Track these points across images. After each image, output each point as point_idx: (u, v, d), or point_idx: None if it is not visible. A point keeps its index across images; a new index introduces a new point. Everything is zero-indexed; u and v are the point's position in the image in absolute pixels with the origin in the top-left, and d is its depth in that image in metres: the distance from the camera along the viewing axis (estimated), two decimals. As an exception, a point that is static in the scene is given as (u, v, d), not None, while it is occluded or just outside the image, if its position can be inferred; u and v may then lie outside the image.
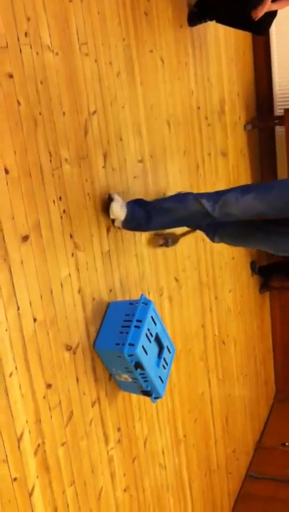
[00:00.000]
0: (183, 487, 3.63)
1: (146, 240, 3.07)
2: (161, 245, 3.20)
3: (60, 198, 2.30)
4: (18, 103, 2.04)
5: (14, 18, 2.04)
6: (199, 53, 3.92)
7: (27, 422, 2.06)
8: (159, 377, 2.63)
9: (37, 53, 2.15)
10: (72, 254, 2.38)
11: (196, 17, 3.76)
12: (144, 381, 2.56)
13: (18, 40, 2.05)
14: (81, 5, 2.47)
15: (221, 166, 4.37)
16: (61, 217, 2.31)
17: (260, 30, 3.74)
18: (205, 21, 3.82)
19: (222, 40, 4.38)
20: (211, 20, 3.84)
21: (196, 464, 3.85)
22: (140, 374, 2.52)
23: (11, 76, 2.00)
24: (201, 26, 3.87)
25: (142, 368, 2.48)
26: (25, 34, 2.10)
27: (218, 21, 3.88)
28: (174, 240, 3.31)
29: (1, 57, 1.96)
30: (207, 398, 4.16)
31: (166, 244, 3.21)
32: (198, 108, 3.90)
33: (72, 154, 2.38)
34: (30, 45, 2.12)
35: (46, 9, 2.23)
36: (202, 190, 3.92)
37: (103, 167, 2.63)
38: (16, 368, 2.00)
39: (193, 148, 3.82)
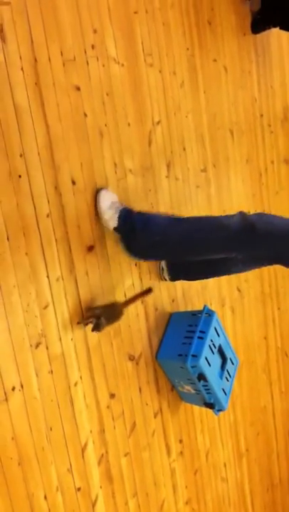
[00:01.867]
0: (244, 501, 3.55)
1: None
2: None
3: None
4: (85, 115, 2.07)
5: (81, 30, 2.07)
6: (262, 61, 3.86)
7: (91, 431, 2.07)
8: (222, 389, 2.59)
9: (103, 65, 2.18)
10: (136, 264, 2.38)
11: (259, 24, 3.71)
12: (207, 393, 2.53)
13: (85, 52, 2.08)
14: (146, 16, 2.48)
15: (284, 174, 4.28)
16: (125, 227, 2.31)
17: None
18: (269, 28, 3.77)
19: (285, 47, 4.30)
20: (274, 27, 3.78)
21: (258, 479, 3.76)
22: (203, 386, 2.48)
23: (78, 88, 2.03)
24: (264, 33, 3.82)
25: (205, 380, 2.44)
26: (92, 47, 2.12)
27: (281, 28, 3.81)
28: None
29: (69, 70, 1.99)
30: (269, 411, 4.06)
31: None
32: (261, 116, 3.84)
33: (137, 165, 2.39)
34: (97, 57, 2.14)
35: (112, 21, 2.25)
36: (265, 199, 3.86)
37: (166, 177, 2.63)
38: (81, 378, 2.01)
39: (256, 156, 3.76)
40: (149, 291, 2.20)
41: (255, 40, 3.77)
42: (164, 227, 2.05)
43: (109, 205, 2.09)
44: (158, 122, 2.55)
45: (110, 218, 2.08)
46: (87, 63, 2.09)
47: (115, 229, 2.10)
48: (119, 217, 2.08)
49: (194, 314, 2.60)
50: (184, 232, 2.00)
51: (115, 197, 2.16)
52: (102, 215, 2.10)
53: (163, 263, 2.50)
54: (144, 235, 2.05)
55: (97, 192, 2.12)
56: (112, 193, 2.17)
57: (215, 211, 3.15)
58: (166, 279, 2.54)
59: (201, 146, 2.99)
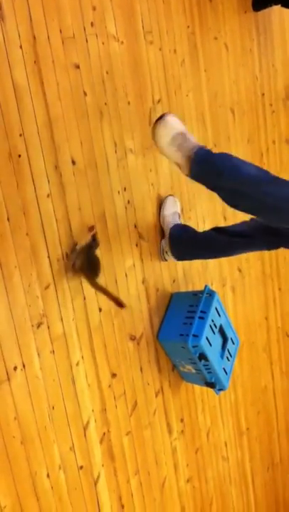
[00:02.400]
0: (245, 480, 3.59)
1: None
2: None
3: (125, 188, 2.30)
4: (85, 94, 2.05)
5: (80, 8, 2.04)
6: (264, 39, 3.81)
7: (93, 411, 2.08)
8: (223, 368, 2.60)
9: (103, 43, 2.15)
10: (137, 245, 2.38)
11: (260, 1, 3.66)
12: (208, 372, 2.54)
13: (85, 30, 2.05)
14: (146, -7, 2.44)
15: (285, 154, 4.25)
16: (126, 207, 2.30)
17: None
18: (270, 6, 3.72)
19: (287, 25, 4.24)
20: (276, 4, 3.73)
21: (258, 457, 3.80)
22: (204, 365, 2.49)
23: (77, 67, 2.01)
24: (265, 11, 3.77)
25: (206, 360, 2.45)
26: (91, 24, 2.09)
27: (283, 5, 3.76)
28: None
29: (68, 48, 1.96)
30: (270, 391, 4.09)
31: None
32: (263, 95, 3.80)
33: (137, 144, 2.37)
34: (96, 34, 2.12)
35: (111, -2, 2.22)
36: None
37: (167, 157, 2.61)
38: (83, 358, 2.02)
39: (257, 136, 3.73)
40: (120, 305, 2.02)
41: (257, 18, 3.71)
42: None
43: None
44: (158, 101, 2.53)
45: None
46: (87, 41, 2.06)
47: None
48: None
49: (195, 294, 2.61)
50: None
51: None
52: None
53: (165, 244, 2.49)
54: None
55: None
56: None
57: (216, 191, 3.14)
58: (166, 260, 2.54)
59: (202, 125, 2.97)
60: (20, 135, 1.74)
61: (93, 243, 2.00)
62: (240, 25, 3.44)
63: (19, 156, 1.74)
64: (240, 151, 3.45)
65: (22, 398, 1.76)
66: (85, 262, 1.95)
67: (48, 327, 1.87)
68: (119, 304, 2.01)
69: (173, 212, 2.54)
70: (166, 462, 2.58)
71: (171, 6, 2.64)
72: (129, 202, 2.32)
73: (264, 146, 3.86)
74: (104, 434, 2.15)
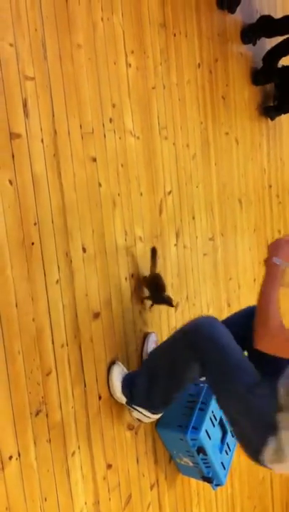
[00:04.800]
0: None
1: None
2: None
3: (132, 275, 2.33)
4: (100, 185, 2.12)
5: (101, 104, 2.15)
6: (273, 133, 3.98)
7: (86, 503, 2.02)
8: (222, 463, 2.54)
9: (120, 138, 2.25)
10: (140, 330, 2.39)
11: (272, 112, 3.85)
12: (206, 467, 2.48)
13: (103, 126, 2.15)
14: (163, 91, 2.58)
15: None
16: (132, 294, 2.33)
17: None
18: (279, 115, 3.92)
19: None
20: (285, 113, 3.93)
21: None
22: (202, 459, 2.44)
23: (94, 160, 2.09)
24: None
25: (205, 453, 2.40)
26: (110, 120, 2.20)
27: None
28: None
29: (87, 143, 2.06)
30: (268, 482, 3.96)
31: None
32: (270, 187, 3.92)
33: (147, 233, 2.43)
34: (114, 130, 2.22)
35: (131, 96, 2.34)
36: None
37: (175, 245, 2.67)
38: (79, 448, 1.99)
39: (264, 225, 3.82)
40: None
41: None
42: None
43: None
44: (169, 192, 2.61)
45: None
46: (105, 136, 2.16)
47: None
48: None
49: (196, 384, 2.58)
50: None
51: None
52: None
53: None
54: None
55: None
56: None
57: (221, 279, 3.18)
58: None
59: (210, 215, 3.05)
60: (35, 224, 1.80)
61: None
62: (250, 121, 3.61)
63: (32, 243, 1.79)
64: (247, 239, 3.52)
65: (15, 488, 1.72)
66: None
67: (47, 415, 1.84)
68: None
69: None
70: None
71: (186, 103, 2.78)
72: (135, 289, 2.35)
73: (270, 234, 3.94)
74: (95, 528, 2.07)
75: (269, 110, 3.82)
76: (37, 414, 1.80)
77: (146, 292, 2.40)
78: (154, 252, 2.36)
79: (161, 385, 2.07)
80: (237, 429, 1.91)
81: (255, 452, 1.81)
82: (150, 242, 2.45)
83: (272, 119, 3.86)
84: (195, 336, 1.91)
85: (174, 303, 2.44)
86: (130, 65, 2.34)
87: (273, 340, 1.65)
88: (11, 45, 1.72)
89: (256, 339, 1.67)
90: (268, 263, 1.77)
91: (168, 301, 2.36)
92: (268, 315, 1.66)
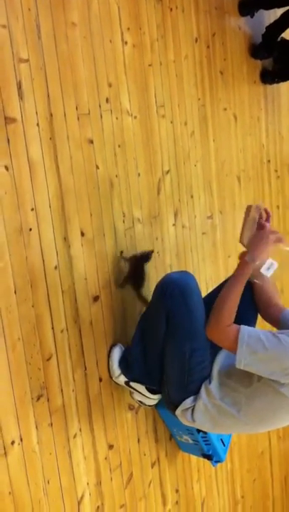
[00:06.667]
0: None
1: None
2: None
3: (131, 258, 2.32)
4: (97, 167, 2.10)
5: (97, 84, 2.11)
6: (272, 107, 3.92)
7: (88, 484, 2.05)
8: (221, 440, 2.57)
9: (116, 118, 2.21)
10: (139, 313, 2.39)
11: (267, 74, 3.78)
12: (206, 444, 2.51)
13: (100, 106, 2.12)
14: (160, 68, 2.53)
15: (289, 219, 4.31)
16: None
17: None
18: (276, 82, 3.85)
19: (295, 93, 4.37)
20: (283, 80, 3.86)
21: (252, 528, 3.71)
22: (202, 437, 2.46)
23: (91, 142, 2.06)
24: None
25: (204, 431, 2.42)
26: (107, 100, 2.16)
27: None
28: None
29: (83, 124, 2.02)
30: (267, 457, 4.02)
31: None
32: (269, 161, 3.88)
33: (145, 214, 2.41)
34: (111, 110, 2.18)
35: (127, 74, 2.30)
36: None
37: (173, 225, 2.65)
38: (80, 430, 2.00)
39: (262, 201, 3.79)
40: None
41: (266, 88, 3.83)
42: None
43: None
44: (167, 171, 2.58)
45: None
46: (101, 117, 2.12)
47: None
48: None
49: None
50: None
51: None
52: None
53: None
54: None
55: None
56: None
57: (220, 257, 3.17)
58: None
59: (209, 194, 3.03)
60: (32, 209, 1.78)
61: (146, 257, 2.30)
62: (249, 95, 3.55)
63: (30, 229, 1.77)
64: (245, 216, 3.50)
65: (18, 473, 1.74)
66: (132, 270, 2.29)
67: (48, 399, 1.85)
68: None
69: None
70: (159, 535, 2.52)
71: (183, 80, 2.73)
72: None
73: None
74: (98, 507, 2.11)
75: (265, 75, 3.75)
76: (38, 399, 1.81)
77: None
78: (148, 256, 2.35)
79: (151, 348, 2.10)
80: (166, 377, 2.06)
81: (171, 403, 2.05)
82: (148, 222, 2.44)
83: (265, 83, 3.78)
84: (167, 287, 1.98)
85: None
86: (126, 43, 2.28)
87: (220, 336, 1.86)
88: (3, 26, 1.67)
89: (207, 328, 1.89)
90: (242, 260, 1.90)
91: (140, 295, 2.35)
92: (222, 312, 1.85)
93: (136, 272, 2.32)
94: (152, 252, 2.35)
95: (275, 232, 1.92)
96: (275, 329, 2.07)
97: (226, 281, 1.99)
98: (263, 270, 1.87)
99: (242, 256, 1.93)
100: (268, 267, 1.87)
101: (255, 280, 1.99)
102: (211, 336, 1.89)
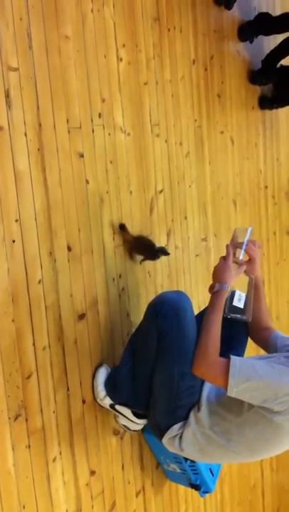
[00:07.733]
0: None
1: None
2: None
3: (120, 275, 2.27)
4: (87, 182, 2.05)
5: (90, 99, 2.08)
6: (270, 133, 3.91)
7: (67, 511, 1.95)
8: (210, 469, 2.47)
9: (109, 134, 2.18)
10: (128, 333, 2.32)
11: (265, 101, 3.78)
12: (194, 473, 2.41)
13: (92, 121, 2.08)
14: (156, 87, 2.51)
15: (285, 245, 4.26)
16: (119, 295, 2.26)
17: None
18: (275, 108, 3.85)
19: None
20: (281, 106, 3.86)
21: None
22: (190, 466, 2.37)
23: (81, 155, 2.02)
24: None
25: (192, 460, 2.33)
26: (99, 115, 2.13)
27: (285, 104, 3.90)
28: None
29: (74, 138, 1.98)
30: (259, 489, 3.90)
31: None
32: (266, 187, 3.85)
33: (136, 232, 2.36)
34: (103, 125, 2.15)
35: (121, 91, 2.27)
36: (265, 269, 3.82)
37: (166, 245, 2.60)
38: (60, 453, 1.91)
39: (259, 226, 3.75)
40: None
41: (264, 114, 3.83)
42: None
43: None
44: (161, 191, 2.54)
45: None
46: (93, 131, 2.09)
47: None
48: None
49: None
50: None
51: None
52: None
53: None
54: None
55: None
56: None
57: (213, 281, 3.11)
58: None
59: (203, 216, 2.98)
60: (16, 220, 1.73)
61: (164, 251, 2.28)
62: (247, 120, 3.54)
63: (13, 241, 1.72)
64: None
65: (-9, 496, 1.65)
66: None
67: (26, 419, 1.77)
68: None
69: None
70: None
71: (179, 100, 2.72)
72: (123, 289, 2.29)
73: (265, 236, 3.87)
74: (77, 537, 2.01)
75: (264, 101, 3.74)
76: (16, 418, 1.73)
77: (139, 258, 2.35)
78: (122, 227, 2.26)
79: (141, 369, 2.03)
80: (153, 401, 1.99)
81: (157, 429, 1.98)
82: (140, 241, 2.38)
83: (263, 108, 3.77)
84: (161, 306, 1.93)
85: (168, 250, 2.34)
86: (121, 59, 2.27)
87: (209, 370, 1.78)
88: (-7, 33, 1.65)
89: (194, 365, 1.82)
90: (211, 291, 1.90)
91: (164, 252, 2.27)
92: (207, 347, 1.79)
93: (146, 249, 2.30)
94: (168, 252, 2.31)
95: (235, 259, 1.96)
96: (264, 352, 2.01)
97: (205, 310, 1.95)
98: (235, 303, 1.91)
99: (211, 288, 1.91)
100: (239, 299, 1.92)
101: (239, 316, 1.95)
102: (198, 372, 1.82)
